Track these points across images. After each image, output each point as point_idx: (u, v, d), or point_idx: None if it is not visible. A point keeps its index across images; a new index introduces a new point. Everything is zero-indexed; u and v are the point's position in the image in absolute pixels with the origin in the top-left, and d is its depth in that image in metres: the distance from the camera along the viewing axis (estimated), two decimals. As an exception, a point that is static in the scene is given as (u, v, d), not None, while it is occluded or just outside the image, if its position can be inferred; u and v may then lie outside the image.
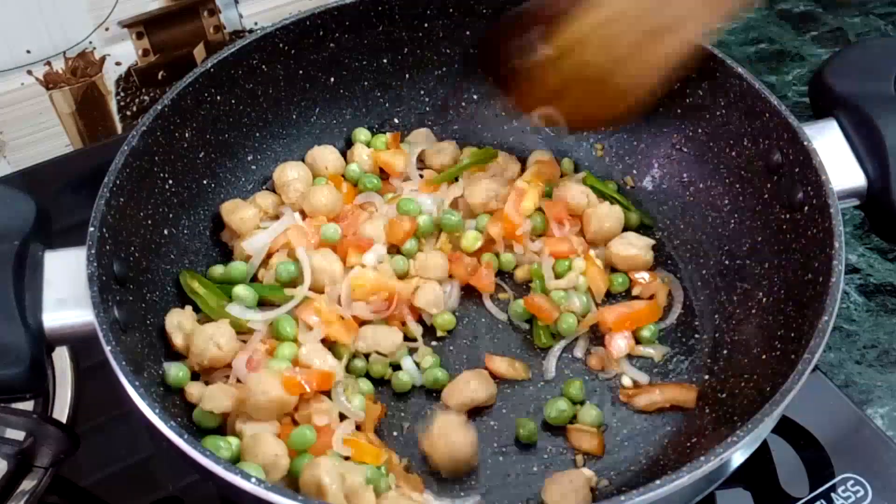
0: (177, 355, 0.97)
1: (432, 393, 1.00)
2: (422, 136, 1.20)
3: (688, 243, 1.10)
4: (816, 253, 0.90)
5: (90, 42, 1.29)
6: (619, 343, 1.02)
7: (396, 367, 1.02)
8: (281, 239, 1.05)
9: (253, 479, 0.73)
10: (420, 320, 1.05)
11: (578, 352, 1.04)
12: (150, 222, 0.99)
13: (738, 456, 0.80)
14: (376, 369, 1.00)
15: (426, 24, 1.16)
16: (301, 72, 1.14)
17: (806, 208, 0.93)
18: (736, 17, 0.99)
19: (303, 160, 1.15)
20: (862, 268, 1.20)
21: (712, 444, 0.92)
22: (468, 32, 1.17)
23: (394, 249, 1.08)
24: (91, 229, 0.87)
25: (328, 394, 0.94)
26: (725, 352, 1.00)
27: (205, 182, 1.09)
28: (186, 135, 1.04)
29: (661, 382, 1.00)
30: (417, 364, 1.02)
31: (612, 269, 1.09)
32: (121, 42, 1.32)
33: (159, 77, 1.38)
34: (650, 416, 0.98)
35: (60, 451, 0.95)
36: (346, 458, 0.89)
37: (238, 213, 1.07)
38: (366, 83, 1.19)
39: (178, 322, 0.96)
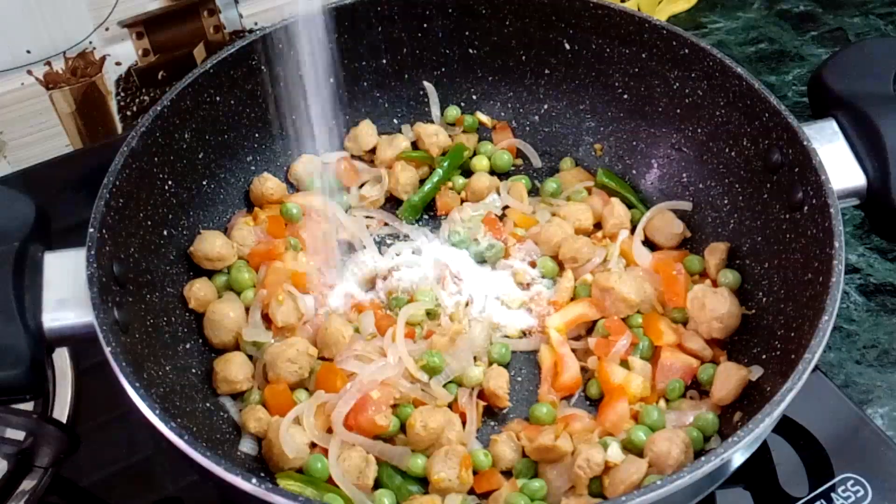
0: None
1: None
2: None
3: (687, 244, 1.10)
4: (816, 253, 0.89)
5: (90, 42, 1.29)
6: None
7: None
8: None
9: (253, 480, 0.73)
10: None
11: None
12: (149, 223, 0.99)
13: (738, 456, 0.80)
14: None
15: (426, 24, 1.16)
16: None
17: (806, 208, 0.93)
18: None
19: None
20: (862, 268, 1.20)
21: (713, 443, 0.93)
22: (468, 32, 1.17)
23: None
24: (91, 230, 0.87)
25: None
26: (725, 352, 1.00)
27: (204, 183, 1.09)
28: (186, 136, 1.04)
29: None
30: None
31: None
32: (121, 42, 1.32)
33: (159, 77, 1.38)
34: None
35: (60, 451, 0.95)
36: None
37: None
38: (366, 83, 1.19)
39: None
